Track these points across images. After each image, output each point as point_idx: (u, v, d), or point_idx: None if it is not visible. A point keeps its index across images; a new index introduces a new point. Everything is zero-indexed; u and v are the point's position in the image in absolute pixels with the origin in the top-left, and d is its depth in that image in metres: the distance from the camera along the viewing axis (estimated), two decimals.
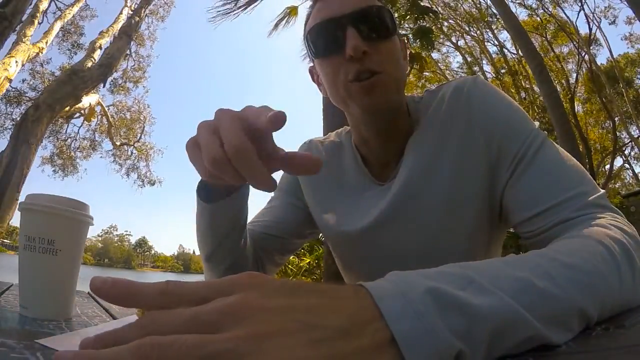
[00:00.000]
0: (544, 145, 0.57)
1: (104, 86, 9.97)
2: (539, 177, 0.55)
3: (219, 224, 0.60)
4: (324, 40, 0.61)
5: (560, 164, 0.55)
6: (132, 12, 10.91)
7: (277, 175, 0.83)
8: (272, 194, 0.81)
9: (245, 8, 5.65)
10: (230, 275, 0.69)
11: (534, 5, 15.53)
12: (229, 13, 5.63)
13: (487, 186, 0.61)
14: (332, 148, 0.75)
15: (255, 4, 5.64)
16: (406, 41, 0.71)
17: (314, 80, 0.73)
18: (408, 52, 0.71)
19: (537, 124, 0.61)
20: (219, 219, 0.60)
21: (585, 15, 14.84)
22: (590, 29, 15.04)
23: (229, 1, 5.56)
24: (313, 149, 0.77)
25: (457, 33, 16.90)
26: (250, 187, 0.57)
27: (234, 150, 0.35)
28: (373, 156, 0.70)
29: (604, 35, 16.03)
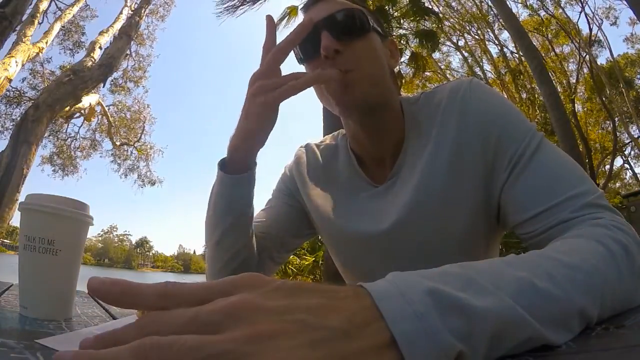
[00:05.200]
0: (541, 146, 0.57)
1: (104, 86, 9.96)
2: (537, 178, 0.55)
3: (238, 199, 0.63)
4: (305, 45, 0.64)
5: (558, 165, 0.55)
6: (132, 12, 10.90)
7: (276, 177, 0.83)
8: (270, 196, 0.82)
9: (253, 4, 5.64)
10: (235, 265, 0.70)
11: (535, 6, 15.52)
12: (237, 7, 5.62)
13: (483, 187, 0.61)
14: (327, 151, 0.77)
15: (261, 0, 5.64)
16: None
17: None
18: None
19: (534, 124, 0.61)
20: (239, 193, 0.63)
21: (586, 15, 14.85)
22: (591, 30, 15.04)
23: None
24: (309, 153, 0.79)
25: (458, 33, 16.88)
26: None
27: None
28: (367, 155, 0.70)
29: (605, 36, 16.03)
